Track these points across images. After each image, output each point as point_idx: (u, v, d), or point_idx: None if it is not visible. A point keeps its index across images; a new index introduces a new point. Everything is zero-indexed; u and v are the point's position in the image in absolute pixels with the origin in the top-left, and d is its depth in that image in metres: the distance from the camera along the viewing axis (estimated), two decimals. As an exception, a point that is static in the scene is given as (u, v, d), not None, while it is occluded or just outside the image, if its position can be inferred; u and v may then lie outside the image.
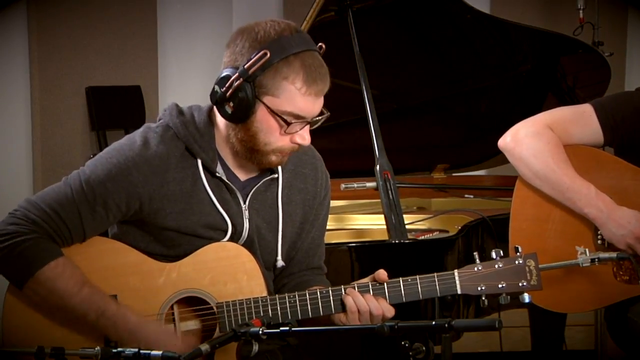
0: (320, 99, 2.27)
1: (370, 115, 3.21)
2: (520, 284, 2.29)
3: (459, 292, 2.30)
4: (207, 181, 2.33)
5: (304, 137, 2.28)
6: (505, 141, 2.84)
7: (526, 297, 2.29)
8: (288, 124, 2.25)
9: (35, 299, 2.26)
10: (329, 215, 2.56)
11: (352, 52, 3.30)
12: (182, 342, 2.27)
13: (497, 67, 3.92)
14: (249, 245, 2.37)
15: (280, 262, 2.42)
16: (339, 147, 3.84)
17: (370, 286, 2.30)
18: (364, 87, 3.24)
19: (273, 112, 2.24)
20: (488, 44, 3.85)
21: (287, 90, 2.22)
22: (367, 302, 2.27)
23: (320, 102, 2.27)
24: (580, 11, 4.65)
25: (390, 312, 2.28)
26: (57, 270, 2.23)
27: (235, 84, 2.22)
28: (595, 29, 4.67)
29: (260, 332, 1.97)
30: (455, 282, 2.30)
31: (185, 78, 5.85)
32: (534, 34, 3.88)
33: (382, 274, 2.30)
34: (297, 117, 2.25)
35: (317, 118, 2.28)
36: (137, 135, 2.34)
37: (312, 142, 2.49)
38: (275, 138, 2.27)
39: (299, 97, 2.23)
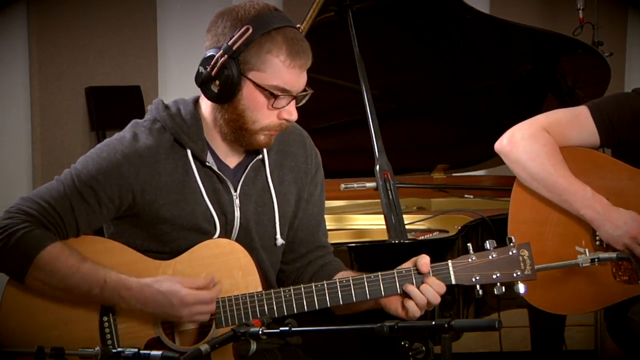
0: (304, 73, 2.29)
1: (370, 115, 3.20)
2: (514, 274, 2.29)
3: (453, 282, 2.29)
4: (198, 171, 2.34)
5: (290, 112, 2.29)
6: (502, 144, 2.83)
7: (521, 287, 2.29)
8: (275, 96, 2.25)
9: (38, 286, 2.27)
10: (330, 215, 2.55)
11: (352, 52, 3.29)
12: (185, 290, 2.26)
13: (497, 67, 3.92)
14: (245, 233, 2.37)
15: (279, 241, 2.42)
16: (339, 147, 3.83)
17: (365, 278, 2.29)
18: (364, 87, 3.24)
19: (259, 87, 2.25)
20: (488, 44, 3.84)
21: (272, 64, 2.24)
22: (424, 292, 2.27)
23: (304, 76, 2.29)
24: (580, 11, 4.65)
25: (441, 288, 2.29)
26: (55, 251, 2.25)
27: (220, 61, 2.24)
28: (595, 29, 4.67)
29: (260, 332, 1.97)
30: (449, 272, 2.29)
31: (185, 78, 5.81)
32: (534, 34, 3.88)
33: (424, 258, 2.29)
34: (283, 90, 2.26)
35: (302, 94, 2.30)
36: (126, 131, 2.38)
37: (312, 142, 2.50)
38: (263, 114, 2.28)
39: (284, 69, 2.24)
